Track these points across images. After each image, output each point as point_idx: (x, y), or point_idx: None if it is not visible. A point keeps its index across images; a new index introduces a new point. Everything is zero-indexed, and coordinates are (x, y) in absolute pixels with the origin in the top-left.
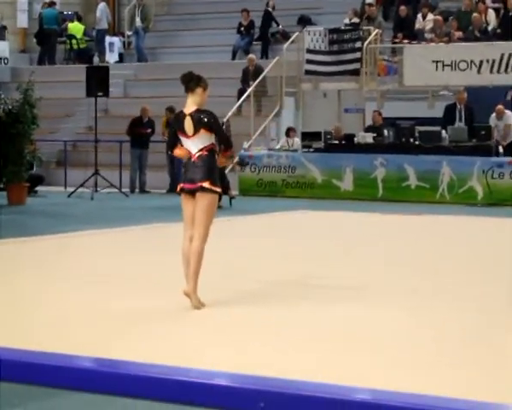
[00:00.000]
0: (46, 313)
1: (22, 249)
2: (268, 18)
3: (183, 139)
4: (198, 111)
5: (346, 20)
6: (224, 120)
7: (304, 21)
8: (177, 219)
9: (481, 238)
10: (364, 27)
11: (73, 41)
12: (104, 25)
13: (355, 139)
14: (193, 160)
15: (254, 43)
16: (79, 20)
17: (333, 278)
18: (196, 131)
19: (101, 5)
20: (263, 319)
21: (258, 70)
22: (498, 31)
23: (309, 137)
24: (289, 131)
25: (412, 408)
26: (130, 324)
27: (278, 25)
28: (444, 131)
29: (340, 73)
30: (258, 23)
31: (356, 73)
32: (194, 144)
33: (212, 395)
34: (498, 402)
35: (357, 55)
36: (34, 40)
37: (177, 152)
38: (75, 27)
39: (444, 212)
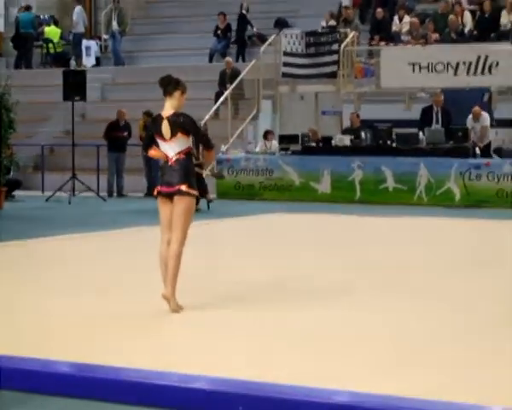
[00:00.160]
0: (23, 318)
1: (0, 254)
2: (243, 21)
3: (160, 143)
4: (175, 115)
5: (323, 23)
6: (202, 123)
7: (280, 24)
8: (154, 222)
9: (459, 239)
10: (341, 30)
11: (50, 45)
12: (81, 28)
13: (332, 142)
14: (170, 163)
15: (231, 46)
16: (56, 23)
17: (310, 280)
18: (173, 134)
19: (78, 9)
20: (240, 322)
21: (235, 73)
22: (475, 33)
23: (286, 140)
24: (267, 134)
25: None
26: (107, 328)
27: (253, 27)
28: (421, 133)
29: (318, 75)
30: (234, 26)
31: (333, 75)
32: (171, 148)
33: (191, 399)
34: (474, 403)
35: (334, 57)
36: (11, 44)
37: (152, 153)
38: (51, 31)
39: (421, 214)
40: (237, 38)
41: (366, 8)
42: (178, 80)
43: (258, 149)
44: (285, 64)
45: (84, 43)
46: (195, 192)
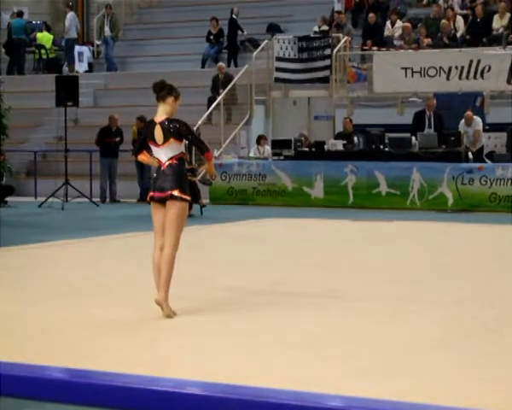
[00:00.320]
0: (16, 324)
1: None
2: (233, 26)
3: (153, 148)
4: (168, 120)
5: (316, 28)
6: (194, 128)
7: (273, 29)
8: (147, 228)
9: (452, 244)
10: (334, 35)
11: (42, 51)
12: (73, 34)
13: (325, 147)
14: (162, 168)
15: (223, 51)
16: (48, 29)
17: (303, 285)
18: (166, 140)
19: (70, 14)
20: (234, 328)
21: (227, 78)
22: (467, 37)
23: (279, 145)
24: (260, 139)
25: None
26: (101, 333)
27: (243, 32)
28: (413, 138)
29: (310, 80)
30: (226, 32)
31: (325, 80)
32: (163, 153)
33: (185, 404)
34: (470, 407)
35: (327, 62)
36: (3, 50)
37: (142, 157)
38: (44, 37)
39: (414, 218)
40: (229, 43)
41: (358, 12)
42: (172, 86)
43: (252, 155)
44: (277, 69)
45: (77, 48)
46: (188, 197)
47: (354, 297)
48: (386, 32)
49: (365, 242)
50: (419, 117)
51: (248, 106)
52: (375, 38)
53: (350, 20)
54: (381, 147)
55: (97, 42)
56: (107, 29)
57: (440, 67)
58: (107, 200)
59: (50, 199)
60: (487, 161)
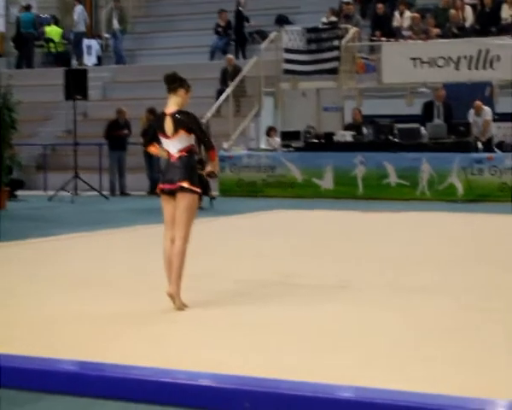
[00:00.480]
0: (28, 317)
1: (4, 254)
2: (240, 17)
3: (162, 140)
4: (178, 112)
5: (324, 19)
6: (204, 121)
7: (281, 21)
8: (157, 220)
9: (462, 234)
10: (342, 26)
11: (51, 44)
12: (82, 27)
13: (334, 138)
14: (172, 160)
15: (232, 43)
16: (56, 23)
17: (314, 276)
18: (176, 131)
19: (79, 8)
20: (245, 319)
21: (236, 70)
22: (476, 27)
23: (288, 137)
24: (270, 131)
25: (397, 405)
26: (113, 326)
27: (249, 22)
28: (423, 128)
29: (319, 71)
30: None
31: (334, 71)
32: (173, 145)
33: (197, 396)
34: (480, 397)
35: (336, 53)
36: (12, 44)
37: (152, 149)
38: (52, 31)
39: (424, 209)
40: (236, 35)
41: (367, 3)
42: (183, 78)
43: (263, 146)
44: (286, 61)
45: (85, 42)
46: (198, 189)
47: (365, 288)
48: (395, 23)
49: (375, 232)
50: (428, 107)
51: (257, 98)
52: (384, 28)
53: (358, 11)
54: (391, 138)
55: (106, 35)
56: (115, 22)
57: (449, 58)
58: (117, 193)
59: (60, 192)
60: (497, 150)
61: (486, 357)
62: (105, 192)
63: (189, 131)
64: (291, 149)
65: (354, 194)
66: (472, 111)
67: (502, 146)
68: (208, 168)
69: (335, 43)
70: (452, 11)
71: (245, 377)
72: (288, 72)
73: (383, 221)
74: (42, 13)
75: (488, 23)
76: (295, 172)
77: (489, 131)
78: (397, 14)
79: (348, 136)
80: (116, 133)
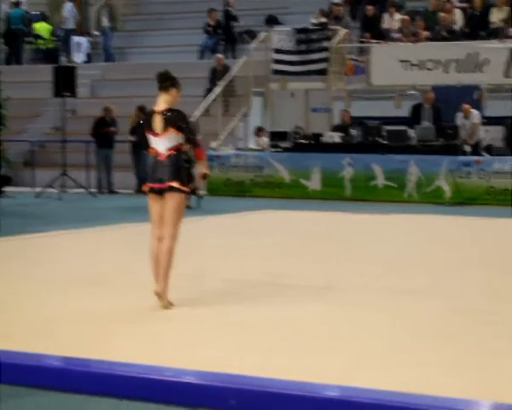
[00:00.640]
0: (17, 314)
1: None
2: (228, 16)
3: (151, 138)
4: (168, 110)
5: (314, 20)
6: (193, 119)
7: (271, 21)
8: (145, 218)
9: (450, 237)
10: (332, 27)
11: (40, 41)
12: (71, 24)
13: (322, 139)
14: (161, 159)
15: (221, 42)
16: (46, 19)
17: (303, 277)
18: (165, 129)
19: (68, 5)
20: (233, 319)
21: (226, 70)
22: (465, 30)
23: (277, 137)
24: (258, 131)
25: (381, 405)
26: (99, 324)
27: (237, 21)
28: (411, 131)
29: (308, 72)
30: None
31: (323, 72)
32: (162, 143)
33: (184, 393)
34: (464, 398)
35: (325, 54)
36: (1, 40)
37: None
38: (42, 27)
39: (411, 211)
40: (225, 35)
41: (356, 4)
42: (175, 78)
43: (251, 146)
44: (276, 61)
45: (75, 39)
46: (187, 189)
47: (353, 289)
48: (385, 25)
49: (363, 234)
50: (416, 110)
51: (246, 97)
52: (374, 30)
53: (348, 13)
54: (379, 139)
55: (95, 32)
56: (105, 20)
57: (438, 60)
58: (105, 190)
59: (48, 189)
60: (485, 154)
61: (476, 360)
62: (92, 190)
63: (178, 129)
64: (279, 149)
65: (342, 195)
66: (460, 114)
67: (490, 149)
68: (200, 170)
69: (325, 44)
70: (442, 14)
71: (231, 374)
72: (277, 72)
73: (371, 223)
74: (32, 9)
75: (477, 27)
76: (283, 173)
77: (477, 134)
78: (386, 16)
79: (336, 137)
80: (103, 131)
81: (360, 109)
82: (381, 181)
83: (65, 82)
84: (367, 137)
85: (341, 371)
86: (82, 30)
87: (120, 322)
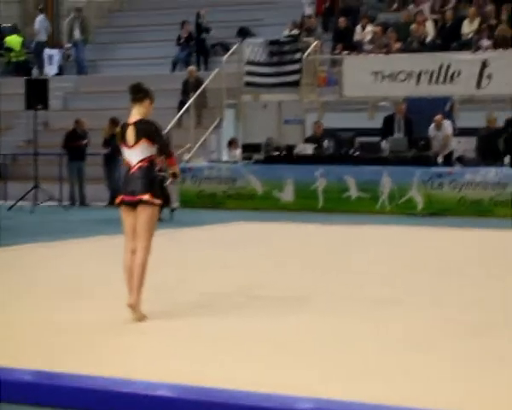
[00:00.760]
0: None
1: None
2: (200, 29)
3: (124, 150)
4: (141, 121)
5: (286, 32)
6: (165, 132)
7: (243, 33)
8: (118, 231)
9: (421, 248)
10: (304, 39)
11: (12, 54)
12: (43, 37)
13: (295, 150)
14: (132, 171)
15: (194, 54)
16: (17, 32)
17: (274, 288)
18: (137, 141)
19: (40, 17)
20: (206, 331)
21: (198, 82)
22: (437, 42)
23: (250, 149)
24: (231, 143)
25: None
26: (72, 336)
27: (208, 32)
28: (383, 142)
29: (280, 84)
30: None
31: (296, 84)
32: (134, 155)
33: (157, 406)
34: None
35: (297, 66)
36: None
37: None
38: (13, 40)
39: (384, 222)
40: (197, 47)
41: (329, 16)
42: (148, 89)
43: (225, 158)
44: (248, 73)
45: (47, 51)
46: (159, 201)
47: (329, 300)
48: (357, 37)
49: (339, 245)
50: (389, 121)
51: (219, 110)
52: (346, 42)
53: (320, 24)
54: (351, 151)
55: (67, 45)
56: (77, 32)
57: (410, 72)
58: (77, 203)
59: (20, 202)
60: (457, 165)
61: (451, 369)
62: (66, 203)
63: (150, 140)
64: (252, 161)
65: (315, 207)
66: (433, 125)
67: (462, 160)
68: (171, 170)
69: (297, 55)
70: (414, 26)
71: (203, 388)
72: (249, 84)
73: (343, 234)
74: (3, 22)
75: (449, 38)
76: (256, 185)
77: (449, 145)
78: (359, 27)
79: (309, 149)
80: (74, 144)
81: (333, 121)
82: (353, 192)
83: (37, 95)
84: (340, 148)
85: (315, 384)
86: (54, 42)
87: (92, 334)
